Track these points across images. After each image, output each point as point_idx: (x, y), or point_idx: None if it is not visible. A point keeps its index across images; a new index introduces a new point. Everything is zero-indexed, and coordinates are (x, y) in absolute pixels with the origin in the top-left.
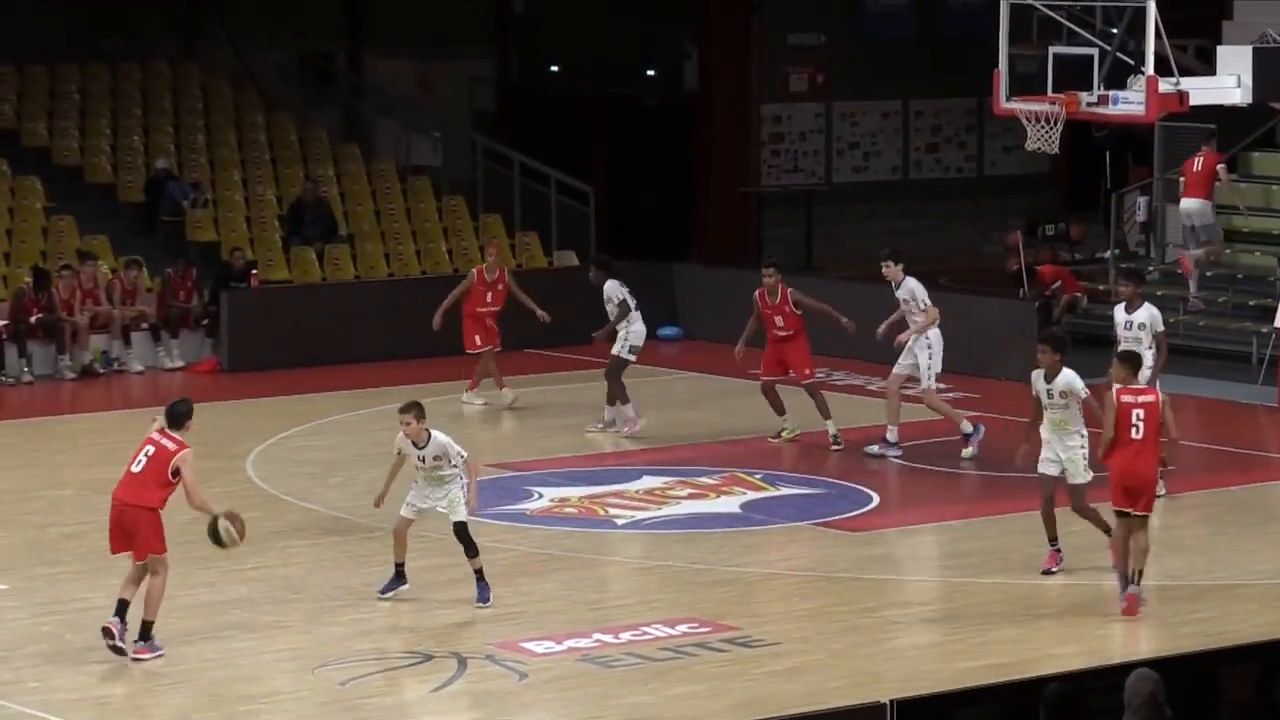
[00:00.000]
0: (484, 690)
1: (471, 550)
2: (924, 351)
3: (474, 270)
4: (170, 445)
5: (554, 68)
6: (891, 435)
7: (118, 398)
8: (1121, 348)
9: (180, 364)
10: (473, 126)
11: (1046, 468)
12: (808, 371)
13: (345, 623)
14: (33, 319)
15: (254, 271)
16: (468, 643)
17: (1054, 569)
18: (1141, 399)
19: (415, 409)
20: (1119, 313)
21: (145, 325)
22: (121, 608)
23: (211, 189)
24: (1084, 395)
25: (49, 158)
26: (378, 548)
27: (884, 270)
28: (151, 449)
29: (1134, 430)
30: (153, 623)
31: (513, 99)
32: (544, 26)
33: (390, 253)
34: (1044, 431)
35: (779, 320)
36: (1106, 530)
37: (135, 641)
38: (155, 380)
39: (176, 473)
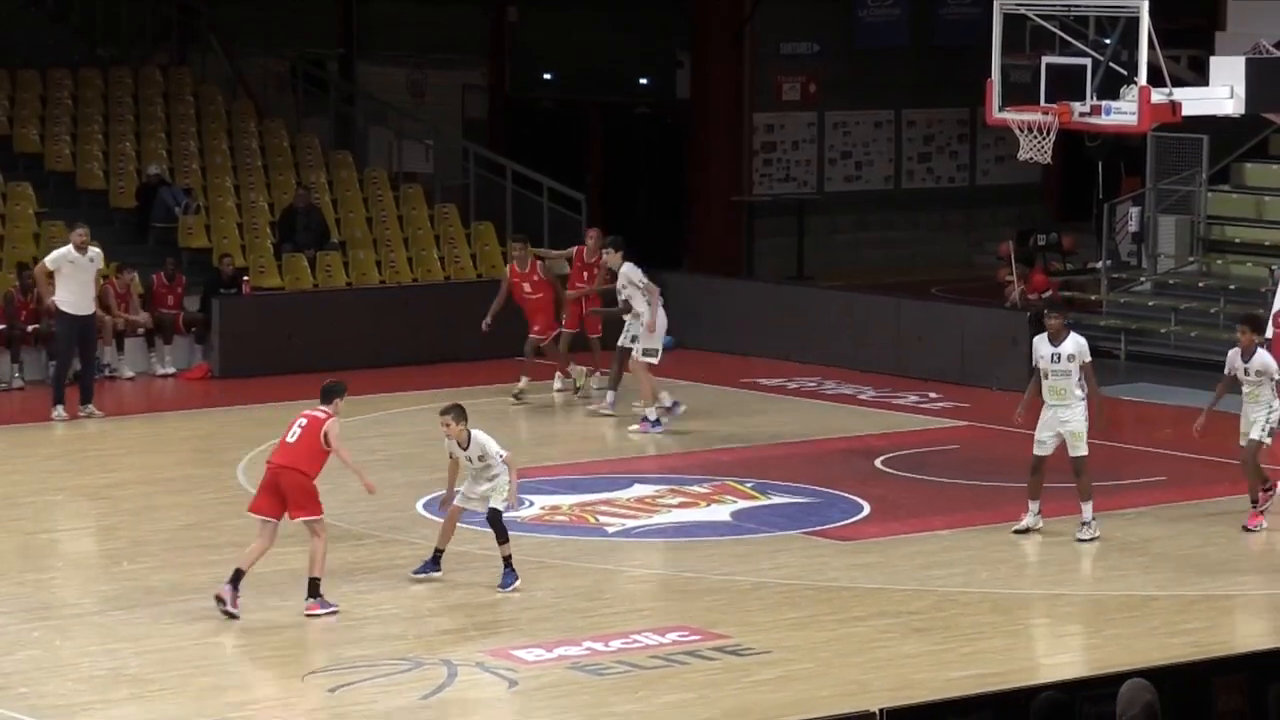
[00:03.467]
0: (474, 698)
1: (502, 537)
2: (655, 334)
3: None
4: (320, 415)
5: (547, 76)
6: (651, 413)
7: (109, 404)
8: (1048, 383)
9: (172, 370)
10: (465, 134)
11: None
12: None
13: (335, 629)
14: (29, 328)
15: (246, 278)
16: (458, 650)
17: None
18: None
19: (454, 411)
20: (1043, 345)
21: (140, 331)
22: (236, 577)
23: (203, 195)
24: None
25: (41, 163)
26: (367, 554)
27: (604, 257)
28: (304, 420)
29: None
30: (320, 580)
31: (505, 107)
32: (537, 35)
33: (382, 260)
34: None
35: (526, 287)
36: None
37: (306, 599)
38: (147, 387)
39: (327, 440)
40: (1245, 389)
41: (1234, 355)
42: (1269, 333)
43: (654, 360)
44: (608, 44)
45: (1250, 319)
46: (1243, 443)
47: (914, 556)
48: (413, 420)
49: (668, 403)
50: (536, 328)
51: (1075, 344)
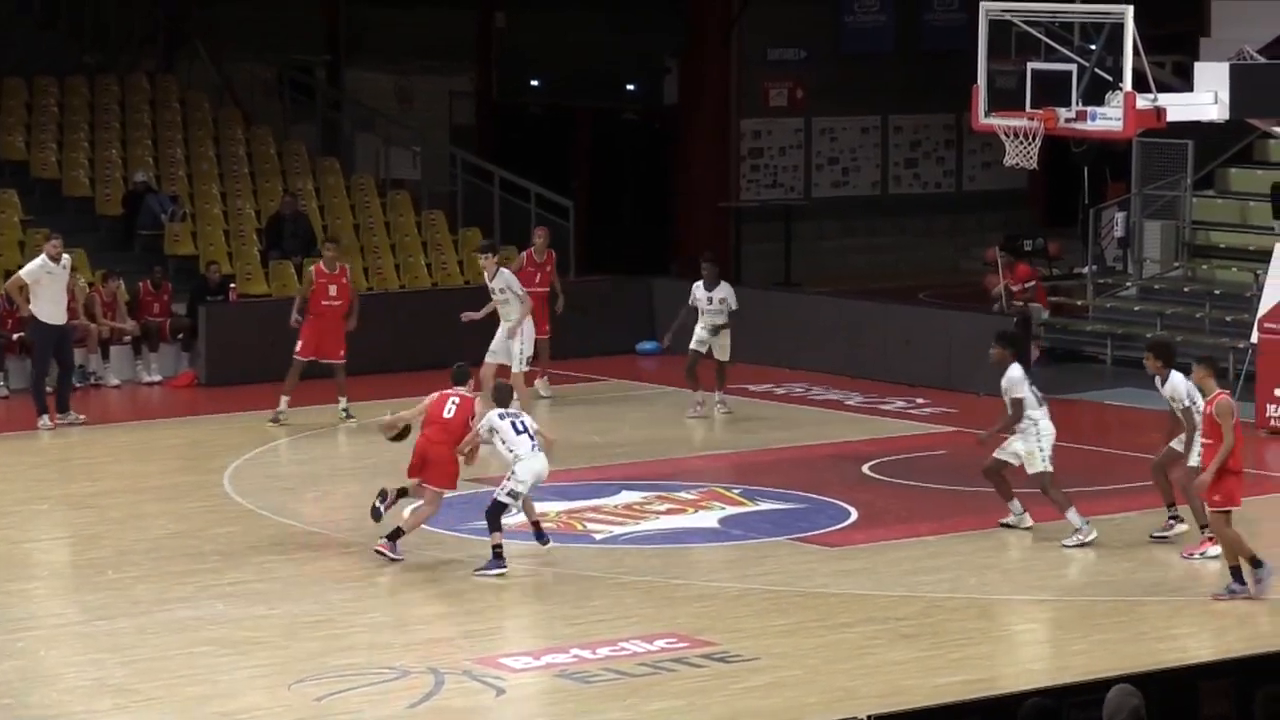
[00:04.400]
0: (461, 706)
1: (494, 526)
2: (516, 340)
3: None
4: (467, 395)
5: (534, 82)
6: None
7: (95, 412)
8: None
9: (158, 378)
10: (452, 140)
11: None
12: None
13: (322, 638)
14: (14, 336)
15: (232, 285)
16: (445, 658)
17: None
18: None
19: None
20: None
21: (126, 339)
22: (396, 534)
23: (190, 202)
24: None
25: (27, 171)
26: (354, 563)
27: (481, 262)
28: (456, 399)
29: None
30: (404, 533)
31: (493, 113)
32: (524, 41)
33: (369, 266)
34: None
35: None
36: None
37: (382, 538)
38: (133, 394)
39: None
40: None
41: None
42: (1254, 337)
43: (527, 369)
44: (595, 49)
45: (1154, 345)
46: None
47: (901, 562)
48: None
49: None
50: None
51: (1007, 378)
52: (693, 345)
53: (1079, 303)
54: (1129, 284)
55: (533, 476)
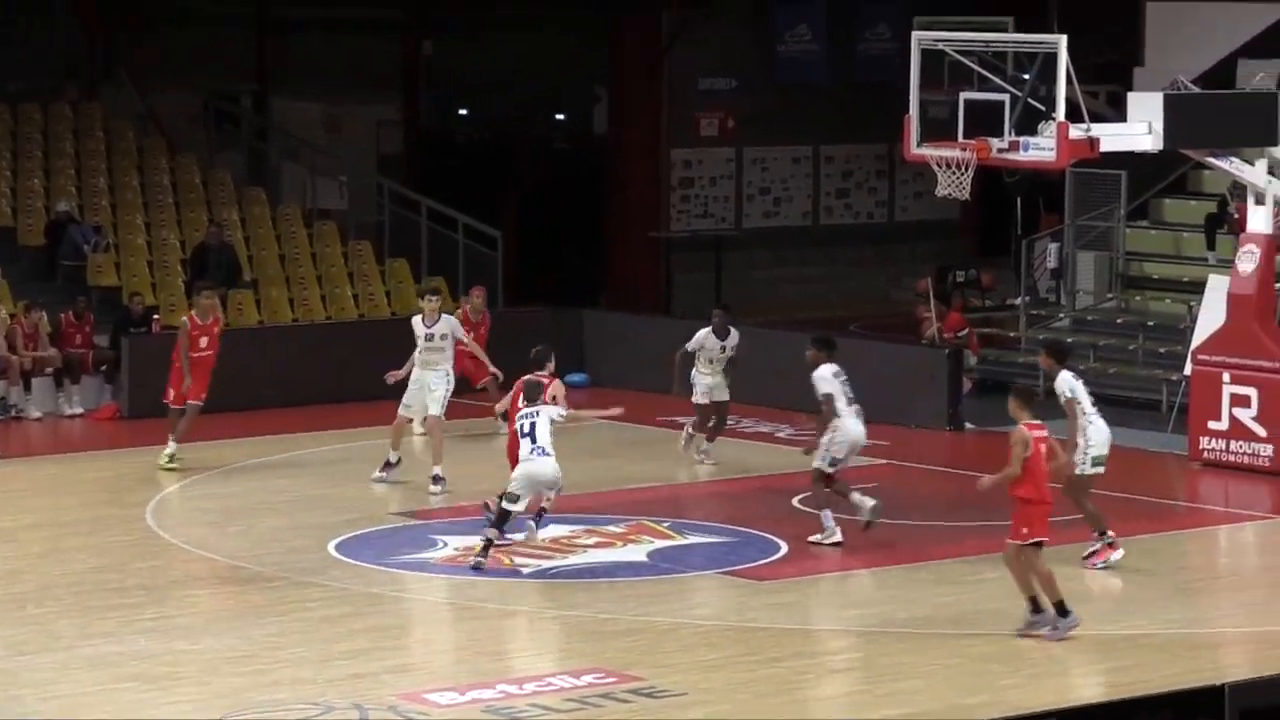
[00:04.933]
0: None
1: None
2: (442, 387)
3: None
4: (547, 378)
5: (462, 110)
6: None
7: (16, 445)
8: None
9: (80, 410)
10: (380, 170)
11: None
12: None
13: (245, 673)
14: None
15: (156, 317)
16: (370, 693)
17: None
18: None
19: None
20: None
21: (48, 371)
22: (502, 518)
23: (113, 233)
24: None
25: None
26: (277, 597)
27: (426, 305)
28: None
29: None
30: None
31: (421, 142)
32: (453, 69)
33: (295, 298)
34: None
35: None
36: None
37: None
38: (55, 427)
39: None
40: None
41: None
42: (1187, 368)
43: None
44: (524, 78)
45: (1048, 344)
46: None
47: (832, 596)
48: (326, 460)
49: (392, 458)
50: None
51: (817, 376)
52: (701, 399)
53: (1011, 334)
54: (1062, 315)
55: (524, 479)
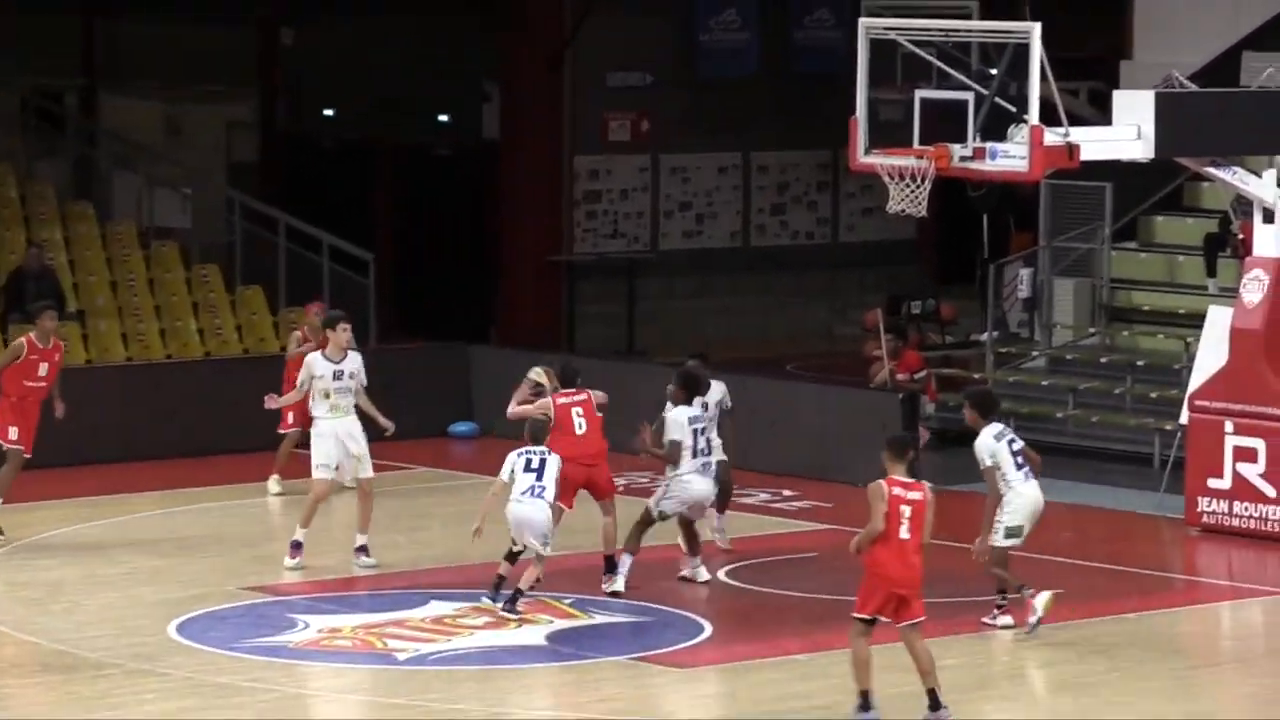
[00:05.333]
0: None
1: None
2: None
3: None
4: (583, 395)
5: (328, 111)
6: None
7: None
8: None
9: None
10: (231, 181)
11: None
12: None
13: None
14: None
15: None
16: None
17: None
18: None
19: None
20: None
21: None
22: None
23: None
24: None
25: None
26: (108, 687)
27: (339, 337)
28: (579, 408)
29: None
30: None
31: (278, 148)
32: (316, 61)
33: (129, 332)
34: None
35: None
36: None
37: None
38: None
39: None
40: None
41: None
42: (1183, 417)
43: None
44: (401, 73)
45: (971, 395)
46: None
47: (765, 685)
48: (167, 525)
49: (357, 543)
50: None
51: (669, 417)
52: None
53: (977, 376)
54: (1036, 353)
55: (513, 522)
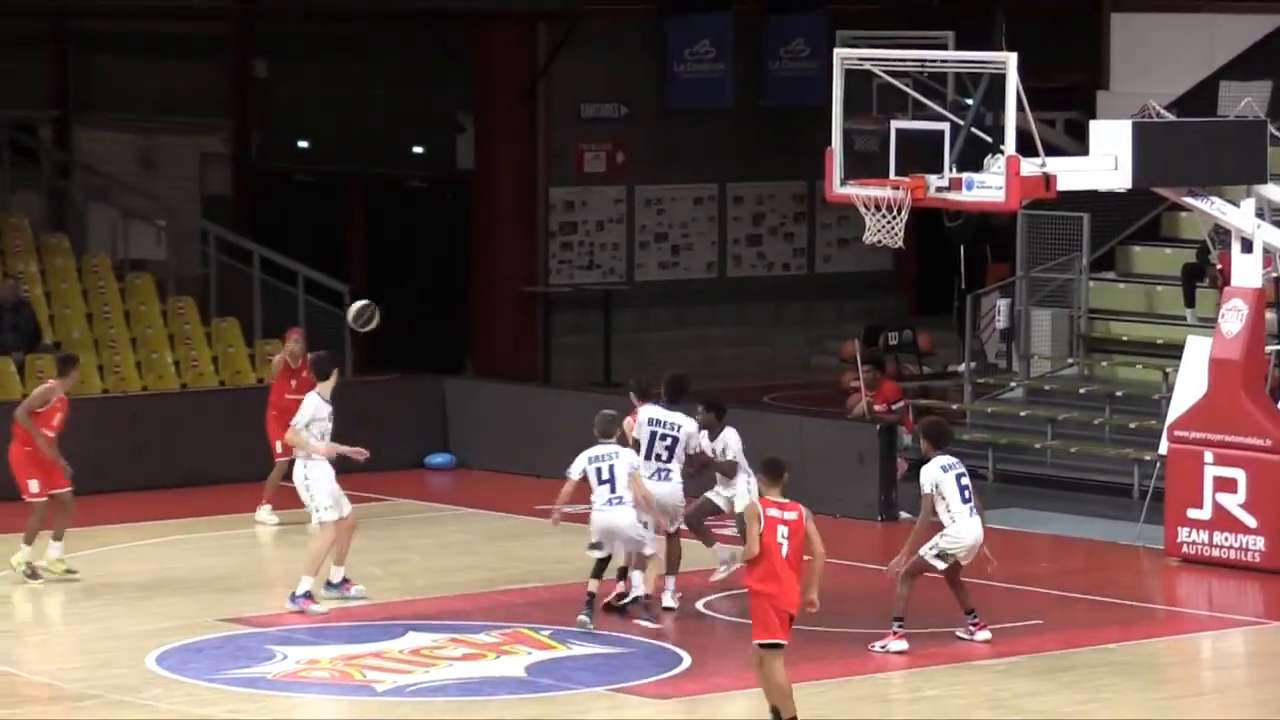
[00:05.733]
0: None
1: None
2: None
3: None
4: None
5: (302, 143)
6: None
7: None
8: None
9: None
10: (205, 213)
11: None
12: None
13: None
14: None
15: None
16: None
17: None
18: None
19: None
20: None
21: None
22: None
23: None
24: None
25: None
26: (87, 719)
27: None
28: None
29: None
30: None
31: (252, 180)
32: (290, 93)
33: (105, 365)
34: None
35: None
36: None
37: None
38: None
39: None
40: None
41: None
42: (1162, 447)
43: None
44: (375, 104)
45: (925, 425)
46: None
47: (744, 716)
48: (144, 557)
49: (336, 578)
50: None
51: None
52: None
53: (954, 407)
54: (1014, 384)
55: (600, 532)
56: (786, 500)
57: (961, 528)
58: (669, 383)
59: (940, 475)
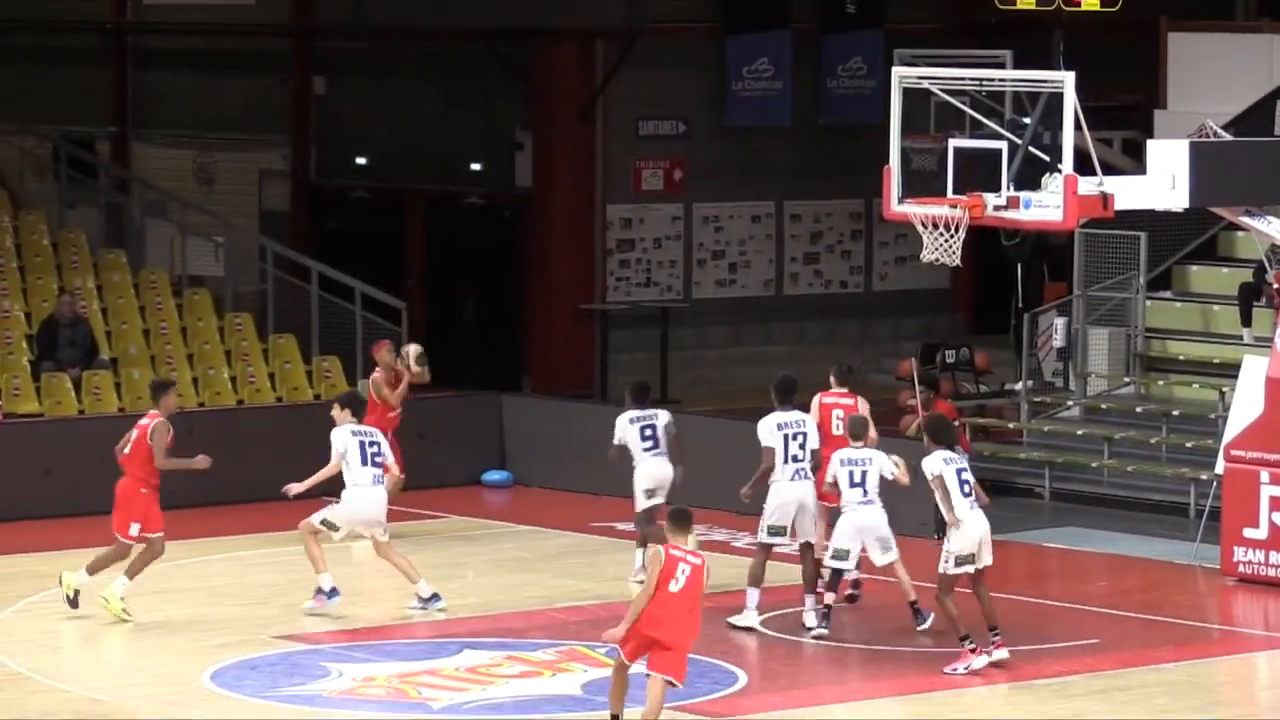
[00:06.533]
0: None
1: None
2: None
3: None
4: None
5: (360, 160)
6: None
7: None
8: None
9: None
10: (263, 229)
11: None
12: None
13: None
14: None
15: None
16: None
17: None
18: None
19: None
20: None
21: None
22: None
23: None
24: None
25: None
26: None
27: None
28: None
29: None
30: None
31: (311, 197)
32: (348, 110)
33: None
34: None
35: None
36: None
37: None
38: None
39: None
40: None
41: None
42: (1218, 466)
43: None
44: (433, 121)
45: (929, 420)
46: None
47: None
48: (200, 573)
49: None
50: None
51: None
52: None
53: (1011, 425)
54: (1070, 403)
55: (852, 531)
56: (692, 550)
57: (965, 525)
58: (779, 385)
59: (942, 466)
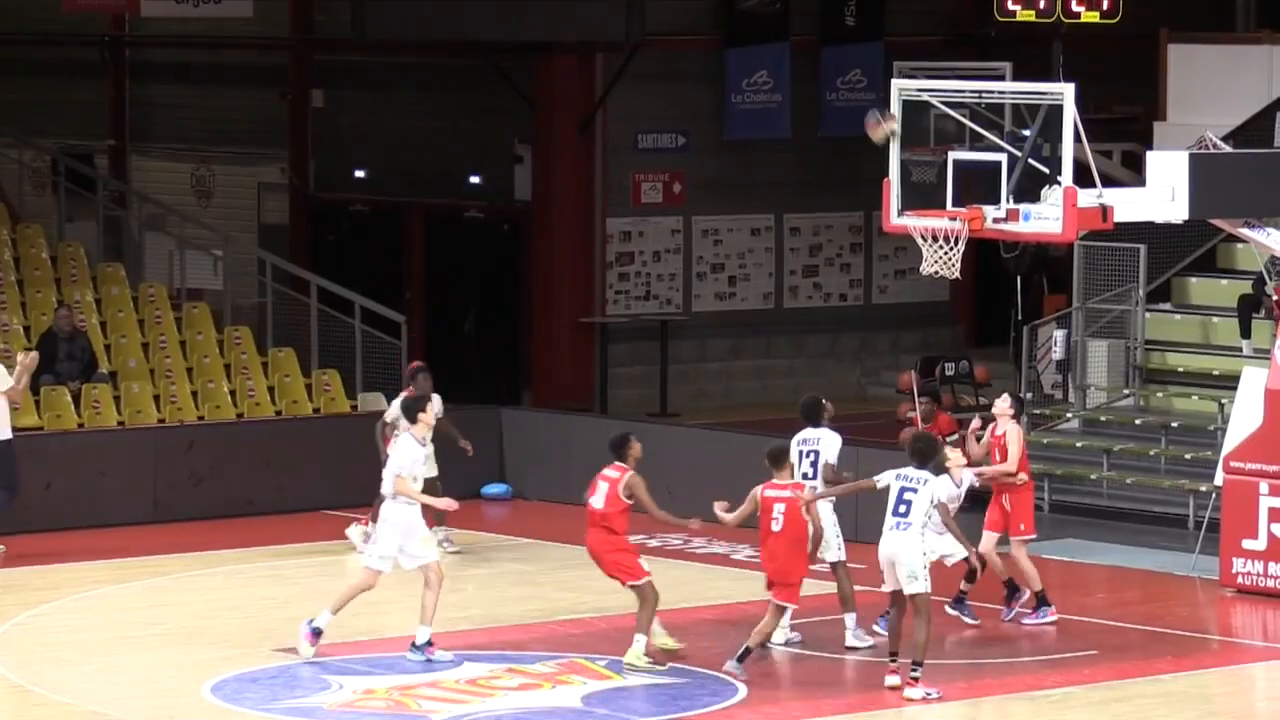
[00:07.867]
0: None
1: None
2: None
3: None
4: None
5: (359, 173)
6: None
7: None
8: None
9: None
10: (261, 243)
11: None
12: None
13: None
14: None
15: None
16: None
17: None
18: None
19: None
20: None
21: None
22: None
23: None
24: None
25: None
26: None
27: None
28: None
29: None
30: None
31: (310, 210)
32: (347, 123)
33: (161, 394)
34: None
35: None
36: None
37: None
38: None
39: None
40: None
41: None
42: (1217, 478)
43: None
44: (432, 134)
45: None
46: None
47: None
48: (200, 586)
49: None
50: None
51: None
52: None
53: None
54: (1070, 415)
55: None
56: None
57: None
58: (800, 407)
59: (892, 480)
